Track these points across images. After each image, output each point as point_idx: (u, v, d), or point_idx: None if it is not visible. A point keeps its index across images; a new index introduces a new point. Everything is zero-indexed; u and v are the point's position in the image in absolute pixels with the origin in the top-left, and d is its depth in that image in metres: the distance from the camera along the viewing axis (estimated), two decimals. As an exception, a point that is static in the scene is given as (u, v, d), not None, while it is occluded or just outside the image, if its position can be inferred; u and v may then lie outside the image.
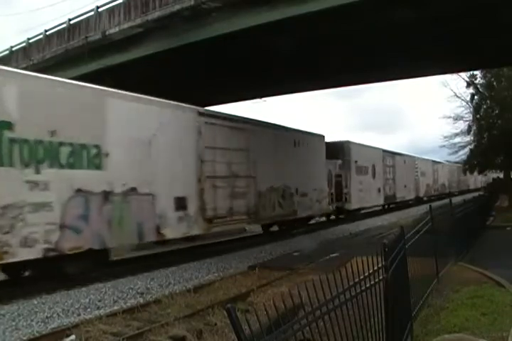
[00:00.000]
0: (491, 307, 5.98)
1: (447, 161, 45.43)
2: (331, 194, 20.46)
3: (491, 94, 25.06)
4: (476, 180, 59.16)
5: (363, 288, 3.50)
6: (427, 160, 40.57)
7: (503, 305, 6.06)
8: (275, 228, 17.16)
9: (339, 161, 21.84)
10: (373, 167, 25.82)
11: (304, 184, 17.46)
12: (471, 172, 32.32)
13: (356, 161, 23.04)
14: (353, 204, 22.30)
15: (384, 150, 28.48)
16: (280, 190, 16.09)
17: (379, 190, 26.76)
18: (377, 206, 27.77)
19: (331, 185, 20.53)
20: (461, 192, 46.87)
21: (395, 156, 30.41)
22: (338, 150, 21.69)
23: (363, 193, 23.67)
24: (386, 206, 29.48)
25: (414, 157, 35.60)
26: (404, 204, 31.60)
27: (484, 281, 7.68)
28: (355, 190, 22.63)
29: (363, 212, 24.53)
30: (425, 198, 37.02)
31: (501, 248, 10.96)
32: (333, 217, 22.11)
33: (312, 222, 19.84)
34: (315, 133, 19.46)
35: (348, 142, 22.98)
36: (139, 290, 9.01)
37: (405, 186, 31.62)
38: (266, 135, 15.50)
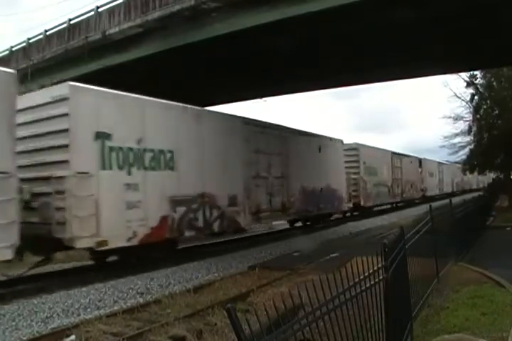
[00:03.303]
0: (491, 307, 5.99)
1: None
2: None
3: (490, 94, 25.05)
4: (444, 180, 36.87)
5: (363, 288, 3.51)
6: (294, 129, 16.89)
7: (503, 305, 6.06)
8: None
9: None
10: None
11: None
12: (471, 172, 32.10)
13: None
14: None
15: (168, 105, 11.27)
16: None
17: None
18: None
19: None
20: (404, 205, 29.47)
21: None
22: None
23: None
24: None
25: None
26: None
27: (484, 281, 7.68)
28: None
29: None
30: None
31: (501, 248, 10.96)
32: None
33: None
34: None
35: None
36: (139, 290, 8.99)
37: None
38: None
